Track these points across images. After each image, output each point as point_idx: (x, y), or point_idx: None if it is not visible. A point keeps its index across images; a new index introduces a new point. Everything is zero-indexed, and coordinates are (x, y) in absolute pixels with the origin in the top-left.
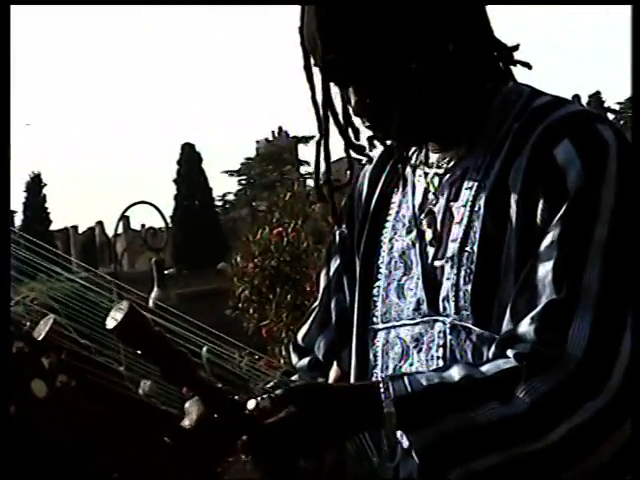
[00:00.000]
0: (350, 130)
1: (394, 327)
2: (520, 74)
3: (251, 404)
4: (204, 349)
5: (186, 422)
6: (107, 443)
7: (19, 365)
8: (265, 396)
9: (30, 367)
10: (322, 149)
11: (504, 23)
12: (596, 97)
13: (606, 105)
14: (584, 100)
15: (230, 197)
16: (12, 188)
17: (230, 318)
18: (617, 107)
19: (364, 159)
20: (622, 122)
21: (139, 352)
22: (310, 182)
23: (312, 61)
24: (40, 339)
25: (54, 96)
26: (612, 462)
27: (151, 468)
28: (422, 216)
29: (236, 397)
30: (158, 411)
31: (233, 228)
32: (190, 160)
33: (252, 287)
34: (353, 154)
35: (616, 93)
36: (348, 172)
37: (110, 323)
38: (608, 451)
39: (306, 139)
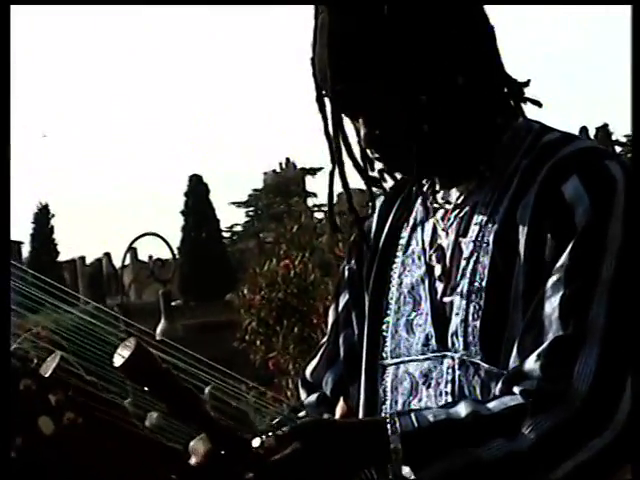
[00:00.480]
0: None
1: (403, 362)
2: (528, 105)
3: (257, 442)
4: (207, 389)
5: (193, 460)
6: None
7: (26, 402)
8: (271, 434)
9: (37, 404)
10: (335, 179)
11: (512, 53)
12: (604, 129)
13: (614, 138)
14: (592, 132)
15: (238, 228)
16: (19, 219)
17: (237, 350)
18: (625, 140)
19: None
20: (630, 155)
21: (146, 389)
22: (317, 215)
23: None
24: (47, 376)
25: (58, 124)
26: None
27: None
28: (431, 251)
29: (242, 435)
30: (165, 448)
31: (240, 260)
32: (197, 191)
33: (259, 319)
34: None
35: (624, 126)
36: (370, 204)
37: (117, 361)
38: None
39: (314, 170)
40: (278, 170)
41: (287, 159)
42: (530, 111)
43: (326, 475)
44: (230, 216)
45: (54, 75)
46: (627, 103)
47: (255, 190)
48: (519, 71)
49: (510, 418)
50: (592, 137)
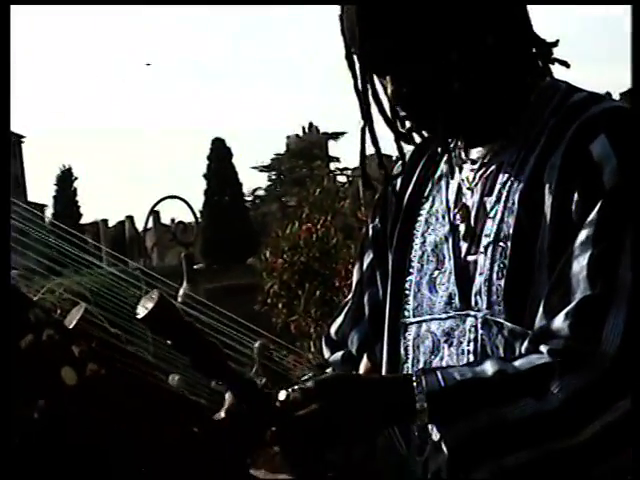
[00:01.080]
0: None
1: (425, 321)
2: (553, 70)
3: (282, 395)
4: (256, 344)
5: (220, 413)
6: (136, 432)
7: (49, 353)
8: (296, 387)
9: (60, 355)
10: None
11: (542, 12)
12: (628, 95)
13: None
14: (616, 97)
15: (260, 192)
16: (43, 181)
17: (259, 313)
18: None
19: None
20: None
21: (169, 342)
22: (340, 178)
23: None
24: (71, 327)
25: (85, 89)
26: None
27: (180, 458)
28: (456, 210)
29: (266, 389)
30: (188, 401)
31: (263, 223)
32: (220, 155)
33: (281, 282)
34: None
35: None
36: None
37: (141, 312)
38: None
39: (336, 135)
40: (301, 134)
41: (310, 123)
42: (555, 74)
43: (350, 432)
44: (253, 180)
45: (78, 36)
46: None
47: (278, 154)
48: (549, 32)
49: (537, 377)
50: None
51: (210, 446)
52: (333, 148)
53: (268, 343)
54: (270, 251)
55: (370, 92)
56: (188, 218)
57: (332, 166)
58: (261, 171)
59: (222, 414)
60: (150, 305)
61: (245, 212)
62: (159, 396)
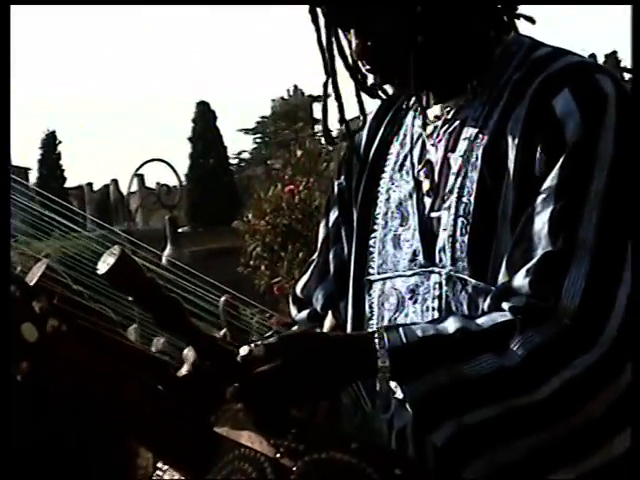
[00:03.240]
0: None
1: (390, 278)
2: (536, 33)
3: (243, 351)
4: (221, 300)
5: (183, 369)
6: (98, 388)
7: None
8: (258, 343)
9: (21, 311)
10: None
11: None
12: (613, 57)
13: (623, 65)
14: (600, 59)
15: (245, 155)
16: (27, 145)
17: (243, 276)
18: None
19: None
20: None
21: (131, 298)
22: (323, 140)
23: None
24: (32, 284)
25: (68, 53)
26: (604, 416)
27: (142, 415)
28: (420, 166)
29: (228, 346)
30: (151, 358)
31: (248, 186)
32: (205, 118)
33: (264, 244)
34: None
35: None
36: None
37: (102, 268)
38: (600, 405)
39: (321, 97)
40: (286, 97)
41: (295, 86)
42: (540, 37)
43: (312, 388)
44: (238, 143)
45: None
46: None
47: (263, 117)
48: None
49: (499, 334)
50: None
51: (172, 403)
52: (318, 110)
53: (232, 299)
54: (252, 213)
55: (335, 46)
56: (173, 181)
57: (317, 128)
58: (246, 134)
59: (184, 370)
60: (111, 260)
61: (230, 175)
62: (121, 353)
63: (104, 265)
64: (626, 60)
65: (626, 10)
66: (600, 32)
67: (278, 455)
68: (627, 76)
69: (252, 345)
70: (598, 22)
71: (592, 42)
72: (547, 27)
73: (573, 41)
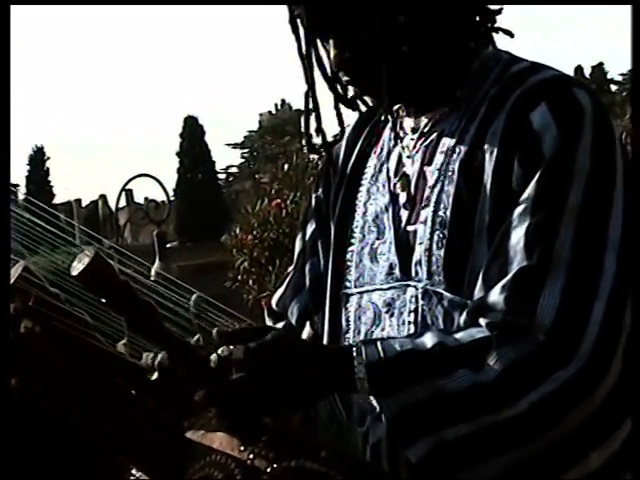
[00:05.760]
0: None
1: (367, 292)
2: (523, 44)
3: (222, 352)
4: (193, 297)
5: (155, 374)
6: (69, 390)
7: None
8: (233, 347)
9: None
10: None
11: None
12: (599, 68)
13: (609, 76)
14: (587, 71)
15: (233, 170)
16: (15, 162)
17: (232, 290)
18: (620, 78)
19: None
20: (624, 94)
21: (104, 301)
22: (312, 156)
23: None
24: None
25: (56, 68)
26: (581, 431)
27: (115, 419)
28: (396, 179)
29: (201, 351)
30: (125, 362)
31: (236, 201)
32: (193, 133)
33: (251, 259)
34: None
35: (619, 64)
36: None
37: (75, 269)
38: (577, 420)
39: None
40: (274, 111)
41: (282, 100)
42: (524, 50)
43: (286, 397)
44: (226, 157)
45: (53, 19)
46: (622, 41)
47: (250, 131)
48: (514, 8)
49: (476, 350)
50: (587, 76)
51: (146, 408)
52: None
53: (202, 300)
54: (240, 228)
55: (314, 56)
56: (161, 197)
57: (304, 142)
58: (234, 148)
59: (155, 375)
60: (86, 261)
61: (218, 189)
62: (94, 356)
63: (78, 265)
64: (612, 72)
65: (613, 20)
66: (587, 43)
67: (249, 462)
68: (613, 87)
69: (231, 347)
70: (585, 34)
71: (578, 54)
72: (535, 38)
73: (559, 52)
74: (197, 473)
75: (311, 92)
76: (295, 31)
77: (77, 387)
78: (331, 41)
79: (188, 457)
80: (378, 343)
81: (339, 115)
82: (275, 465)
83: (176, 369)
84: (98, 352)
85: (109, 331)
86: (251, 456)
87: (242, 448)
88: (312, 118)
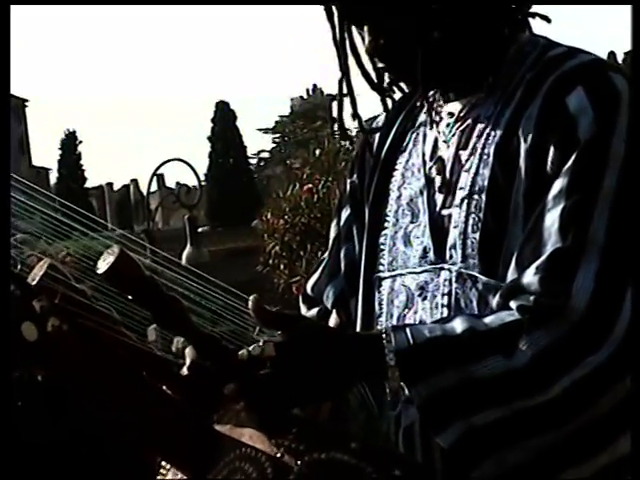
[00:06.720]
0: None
1: (400, 275)
2: (557, 31)
3: (255, 350)
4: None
5: (184, 369)
6: (99, 388)
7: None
8: (264, 344)
9: (21, 310)
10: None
11: None
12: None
13: None
14: (620, 57)
15: (265, 154)
16: (47, 146)
17: (263, 275)
18: None
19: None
20: None
21: (130, 297)
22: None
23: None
24: (33, 283)
25: (88, 51)
26: (611, 415)
27: (145, 414)
28: (431, 164)
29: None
30: (154, 357)
31: (267, 186)
32: (225, 118)
33: (282, 243)
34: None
35: None
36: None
37: (101, 267)
38: (608, 404)
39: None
40: (305, 96)
41: (314, 85)
42: (557, 37)
43: (316, 389)
44: (257, 142)
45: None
46: None
47: (282, 116)
48: None
49: (507, 335)
50: (620, 62)
51: (175, 402)
52: None
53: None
54: (271, 212)
55: (348, 44)
56: (193, 181)
57: (336, 127)
58: (265, 133)
59: (185, 370)
60: (111, 259)
61: (249, 174)
62: (123, 352)
63: (103, 264)
64: None
65: None
66: (620, 29)
67: (279, 454)
68: None
69: (262, 344)
70: (617, 19)
71: (611, 39)
72: (568, 24)
73: (593, 38)
74: (227, 466)
75: (345, 78)
76: (330, 18)
77: (105, 384)
78: (365, 28)
79: (218, 450)
80: (407, 329)
81: (383, 100)
82: (305, 458)
83: (204, 363)
84: (126, 348)
85: (136, 327)
86: (281, 449)
87: (272, 441)
88: (346, 104)
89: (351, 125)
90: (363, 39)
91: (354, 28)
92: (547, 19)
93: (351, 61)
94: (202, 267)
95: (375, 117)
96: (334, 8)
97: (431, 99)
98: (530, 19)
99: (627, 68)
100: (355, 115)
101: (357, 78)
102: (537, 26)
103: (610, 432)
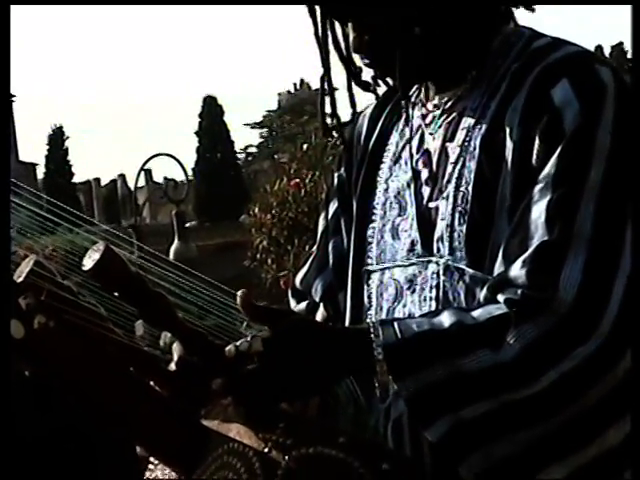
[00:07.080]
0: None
1: (388, 268)
2: (542, 23)
3: (242, 346)
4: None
5: (172, 364)
6: (86, 384)
7: None
8: (251, 339)
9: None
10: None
11: None
12: (619, 48)
13: (629, 56)
14: (607, 51)
15: (252, 149)
16: (34, 141)
17: (250, 270)
18: None
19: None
20: None
21: (116, 294)
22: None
23: None
24: (19, 281)
25: (75, 47)
26: (600, 407)
27: (132, 410)
28: (418, 156)
29: (214, 340)
30: (142, 353)
31: (255, 180)
32: (212, 113)
33: (270, 238)
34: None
35: None
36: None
37: (87, 264)
38: (597, 396)
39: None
40: (292, 91)
41: (301, 80)
42: (546, 29)
43: (304, 383)
44: (245, 137)
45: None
46: None
47: (269, 111)
48: None
49: (494, 328)
50: (607, 55)
51: (162, 397)
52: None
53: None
54: (259, 207)
55: (330, 40)
56: (180, 176)
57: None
58: (253, 128)
59: (172, 365)
60: (96, 256)
61: (237, 169)
62: (110, 348)
63: (89, 261)
64: None
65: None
66: (606, 22)
67: (266, 449)
68: None
69: (249, 338)
70: (605, 13)
71: (598, 33)
72: (555, 18)
73: (579, 31)
74: (215, 462)
75: (327, 76)
76: (312, 13)
77: (93, 380)
78: (349, 24)
79: (206, 446)
80: (395, 323)
81: (351, 96)
82: (293, 452)
83: (191, 358)
84: (113, 344)
85: (123, 322)
86: (269, 444)
87: (259, 436)
88: (327, 101)
89: (343, 118)
90: (346, 36)
91: (337, 24)
92: (531, 8)
93: (334, 57)
94: (190, 262)
95: (362, 111)
96: (316, 6)
97: (416, 92)
98: (514, 9)
99: (614, 61)
100: (333, 114)
101: (340, 73)
102: (523, 17)
103: (599, 424)
